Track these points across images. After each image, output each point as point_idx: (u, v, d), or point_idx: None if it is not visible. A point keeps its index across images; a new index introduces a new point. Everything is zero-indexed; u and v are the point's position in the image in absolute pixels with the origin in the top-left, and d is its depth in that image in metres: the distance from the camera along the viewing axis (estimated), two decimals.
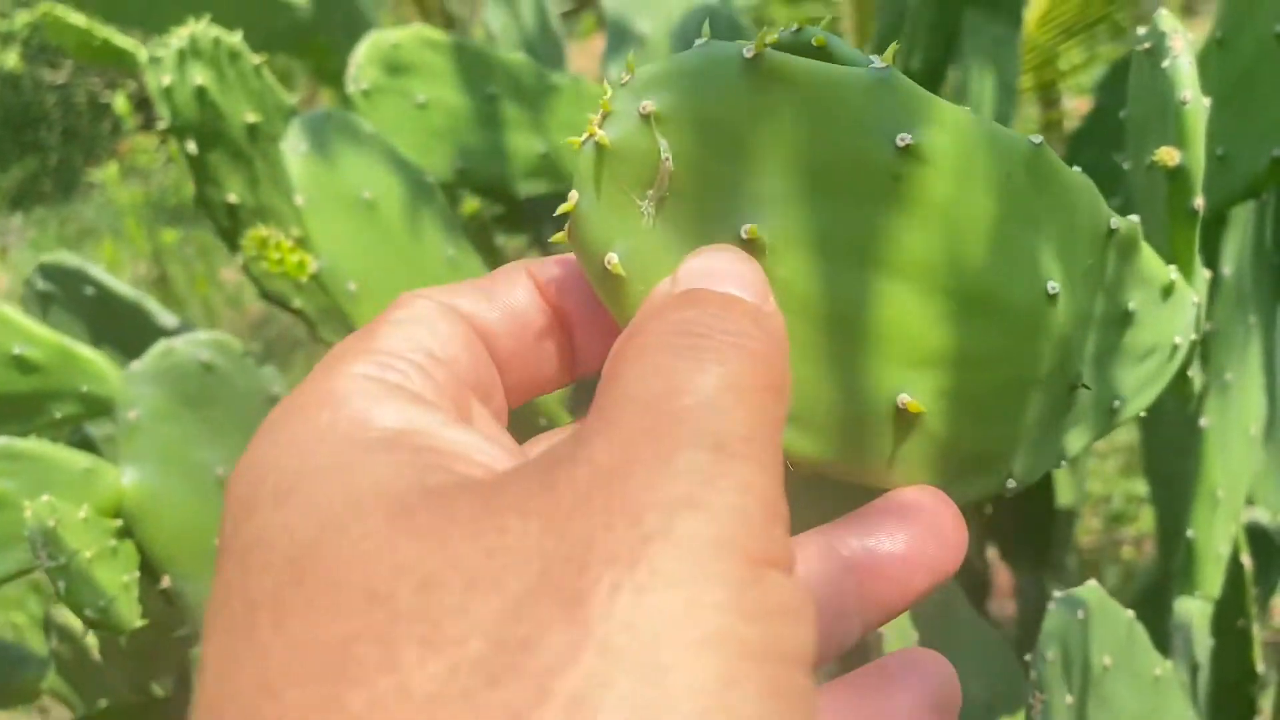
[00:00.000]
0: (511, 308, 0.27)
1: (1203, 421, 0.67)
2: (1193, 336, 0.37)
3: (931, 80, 1.09)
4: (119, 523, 0.60)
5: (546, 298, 0.28)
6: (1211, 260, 0.67)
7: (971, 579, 1.18)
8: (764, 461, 0.19)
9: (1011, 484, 0.31)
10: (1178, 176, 0.43)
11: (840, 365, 0.28)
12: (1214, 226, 0.69)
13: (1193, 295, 0.37)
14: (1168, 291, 0.35)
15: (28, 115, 3.62)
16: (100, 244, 3.00)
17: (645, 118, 0.26)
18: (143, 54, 1.24)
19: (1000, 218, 0.28)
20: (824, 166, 0.27)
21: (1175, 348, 0.36)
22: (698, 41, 0.27)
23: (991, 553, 1.20)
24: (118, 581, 0.56)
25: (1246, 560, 0.77)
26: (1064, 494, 1.13)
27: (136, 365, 0.62)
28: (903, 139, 0.26)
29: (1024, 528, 1.15)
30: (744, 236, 0.26)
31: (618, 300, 0.27)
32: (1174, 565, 0.71)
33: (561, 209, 0.27)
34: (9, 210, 3.47)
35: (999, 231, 0.28)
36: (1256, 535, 0.88)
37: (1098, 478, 1.74)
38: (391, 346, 0.24)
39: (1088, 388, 0.32)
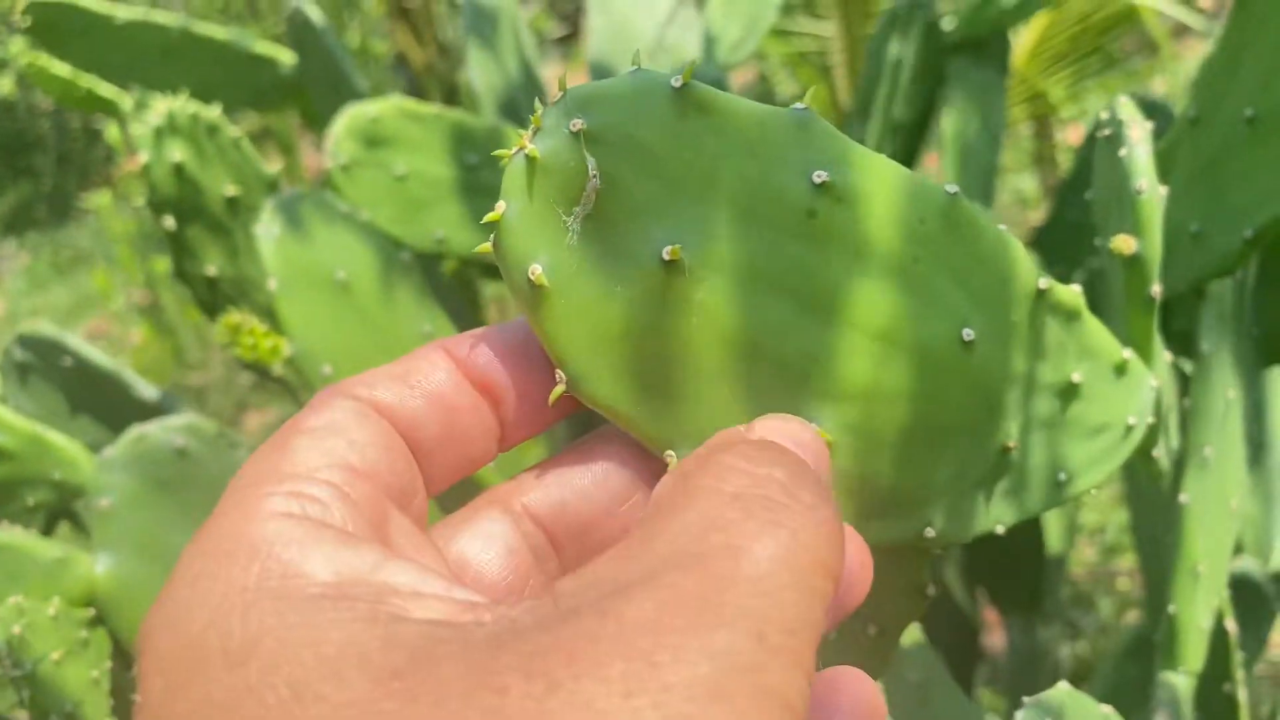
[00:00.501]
0: (432, 392, 0.27)
1: (1182, 498, 0.66)
2: (1150, 419, 0.37)
3: (918, 126, 1.09)
4: (91, 612, 0.60)
5: (468, 374, 0.27)
6: (1189, 334, 0.67)
7: (959, 623, 1.17)
8: (802, 660, 0.18)
9: (930, 533, 0.31)
10: (1134, 264, 0.43)
11: (752, 392, 0.28)
12: (1192, 300, 0.68)
13: (1151, 379, 0.37)
14: (1120, 370, 0.36)
15: (22, 140, 3.62)
16: (93, 269, 2.99)
17: (575, 135, 0.27)
18: (126, 102, 1.24)
19: (912, 259, 0.29)
20: (744, 197, 0.27)
21: (1130, 428, 0.36)
22: (629, 68, 0.28)
23: (980, 595, 1.19)
24: (86, 678, 0.55)
25: (1231, 625, 0.77)
26: (1054, 535, 1.12)
27: (109, 452, 0.61)
28: (818, 176, 0.27)
29: (1012, 570, 1.14)
30: (665, 257, 0.27)
31: (537, 312, 0.27)
32: (1157, 638, 0.70)
33: (487, 218, 0.27)
34: (2, 236, 3.47)
35: (910, 273, 0.29)
36: (1245, 586, 0.87)
37: (1092, 508, 1.73)
38: (307, 467, 0.23)
39: (1014, 448, 0.32)
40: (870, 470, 0.29)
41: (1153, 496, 0.81)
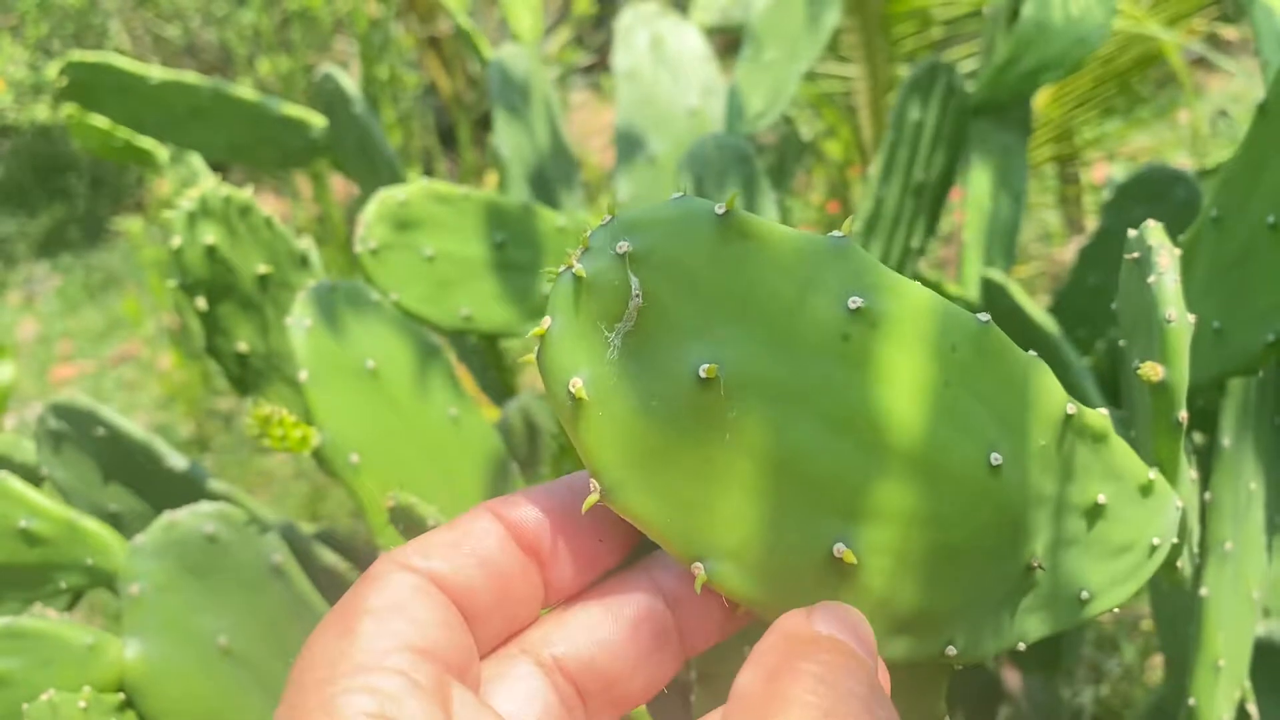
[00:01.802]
0: (485, 559, 0.28)
1: (1203, 591, 0.66)
2: (1174, 539, 0.37)
3: (939, 187, 1.10)
4: (121, 697, 0.61)
5: (517, 537, 0.28)
6: (1210, 428, 0.67)
7: (978, 683, 1.17)
8: None
9: (952, 651, 0.32)
10: (1161, 390, 0.43)
11: (782, 509, 0.29)
12: (1212, 394, 0.69)
13: (1176, 499, 0.37)
14: (1146, 490, 0.36)
15: (56, 163, 3.68)
16: (124, 293, 3.03)
17: (620, 256, 0.28)
18: (163, 154, 1.26)
19: (942, 385, 0.29)
20: (780, 319, 0.28)
21: (1154, 548, 0.36)
22: (674, 195, 0.29)
23: (1000, 656, 1.19)
24: None
25: (1253, 709, 0.76)
26: None
27: (140, 539, 0.63)
28: (854, 301, 0.28)
29: None
30: (702, 375, 0.28)
31: (576, 423, 0.28)
32: None
33: (533, 332, 0.28)
34: (36, 257, 3.52)
35: (941, 398, 0.29)
36: (1269, 652, 0.87)
37: None
38: (375, 655, 0.24)
39: (1043, 569, 0.33)
40: (895, 591, 0.30)
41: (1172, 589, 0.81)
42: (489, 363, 1.04)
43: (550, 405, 0.29)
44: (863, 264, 0.29)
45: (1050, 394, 0.32)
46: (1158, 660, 1.53)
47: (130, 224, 2.86)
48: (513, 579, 0.28)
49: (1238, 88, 2.63)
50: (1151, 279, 0.44)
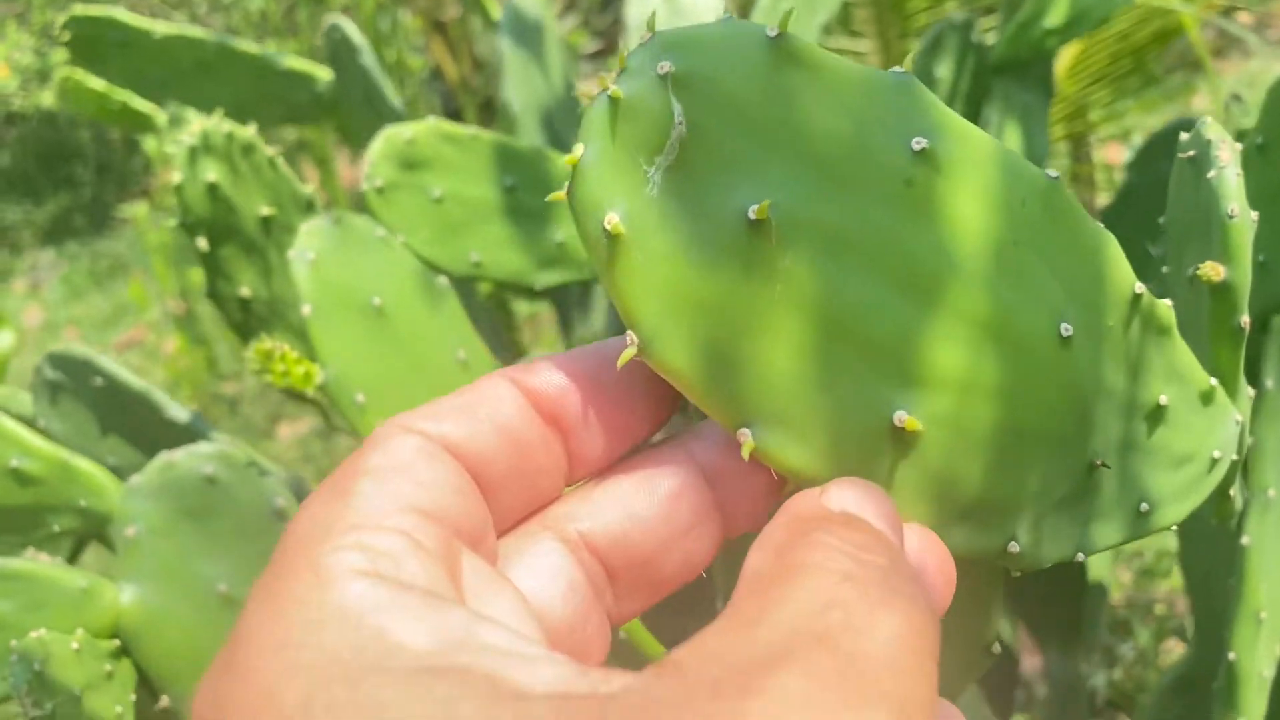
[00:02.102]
0: (502, 425, 0.25)
1: (1244, 540, 0.64)
2: (1234, 456, 0.35)
3: None
4: (116, 643, 0.59)
5: (537, 405, 0.26)
6: (1252, 370, 0.65)
7: (996, 664, 1.14)
8: None
9: (1014, 548, 0.29)
10: (1222, 292, 0.41)
11: (837, 371, 0.26)
12: (1255, 334, 0.66)
13: (1235, 413, 0.35)
14: (1207, 398, 0.34)
15: (62, 151, 3.66)
16: (130, 279, 3.01)
17: (662, 78, 0.25)
18: (161, 118, 1.24)
19: (1011, 242, 0.27)
20: (837, 160, 0.26)
21: (1214, 461, 0.34)
22: (721, 15, 0.26)
23: (1019, 629, 1.16)
24: (110, 714, 0.54)
25: None
26: (1096, 561, 1.09)
27: (136, 480, 0.60)
28: (918, 143, 0.26)
29: (1053, 597, 1.11)
30: (751, 216, 0.25)
31: (611, 266, 0.25)
32: (1216, 685, 0.67)
33: (565, 160, 0.26)
34: (42, 244, 3.51)
35: (1010, 256, 0.27)
36: None
37: None
38: (374, 515, 0.21)
39: (1107, 466, 0.31)
40: (957, 470, 0.27)
41: (1206, 532, 0.78)
42: (498, 322, 1.02)
43: (584, 247, 0.26)
44: (926, 102, 0.26)
45: (1119, 269, 0.29)
46: (1172, 644, 1.51)
47: (136, 209, 2.84)
48: (533, 449, 0.25)
49: (1254, 69, 2.60)
50: (1211, 174, 0.41)
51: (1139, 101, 2.15)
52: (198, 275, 2.81)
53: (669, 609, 0.36)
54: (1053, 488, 0.30)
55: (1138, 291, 0.30)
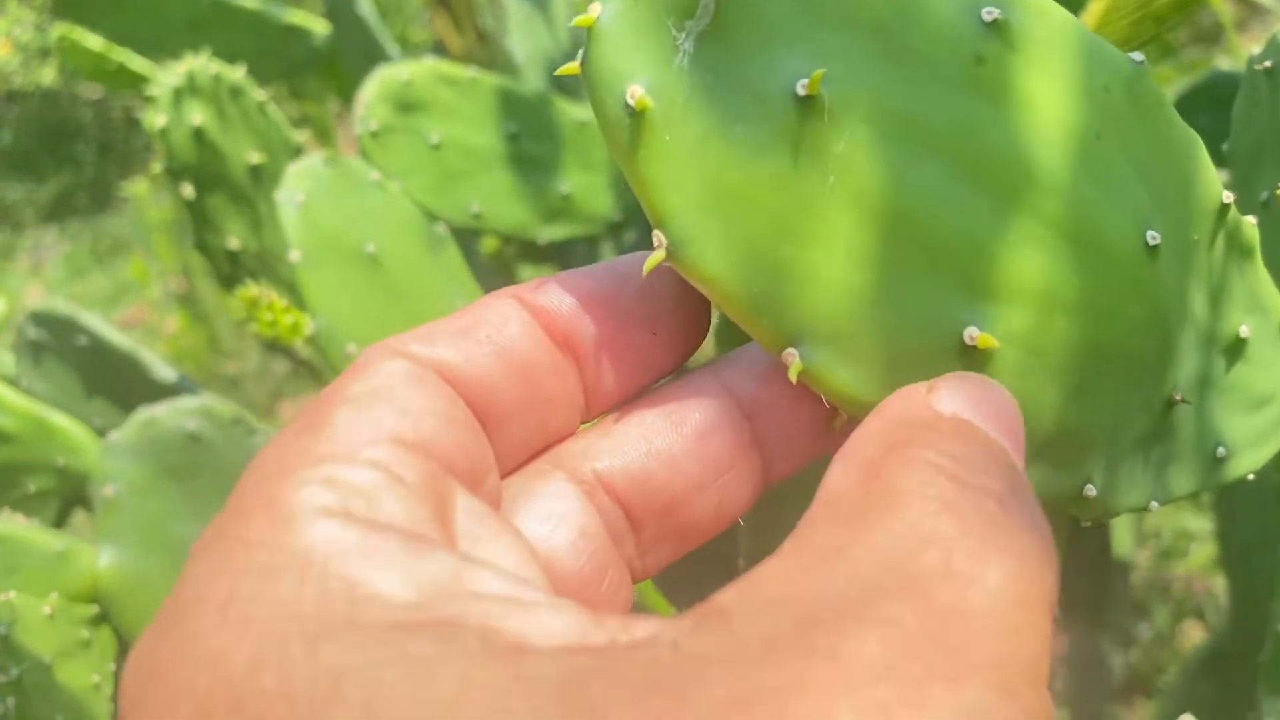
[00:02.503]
0: (505, 349, 0.22)
1: None
2: None
3: None
4: (94, 609, 0.55)
5: (547, 326, 0.22)
6: None
7: None
8: (1040, 711, 0.15)
9: (1090, 492, 0.26)
10: None
11: (899, 279, 0.23)
12: None
13: None
14: None
15: (64, 129, 3.63)
16: (131, 258, 2.98)
17: None
18: (160, 77, 1.20)
19: (1093, 135, 0.23)
20: (898, 30, 0.22)
21: None
22: None
23: None
24: (86, 682, 0.50)
25: None
26: (1121, 537, 1.05)
27: (116, 436, 0.57)
28: (989, 13, 0.22)
29: (1076, 572, 1.07)
30: (800, 92, 0.21)
31: (634, 150, 0.22)
32: (1261, 658, 0.64)
33: (577, 21, 0.22)
34: (44, 223, 3.48)
35: (1093, 151, 0.23)
36: None
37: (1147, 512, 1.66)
38: (348, 446, 0.18)
39: (1188, 402, 0.27)
40: (1034, 396, 0.24)
41: (1248, 499, 0.74)
42: (500, 283, 0.98)
43: (600, 128, 0.22)
44: None
45: (1207, 174, 0.26)
46: (1190, 625, 1.48)
47: (136, 185, 2.81)
48: (541, 376, 0.22)
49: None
50: None
51: (1157, 73, 2.11)
52: (197, 257, 2.79)
53: (686, 569, 0.32)
54: (1131, 423, 0.26)
55: (1226, 202, 0.26)
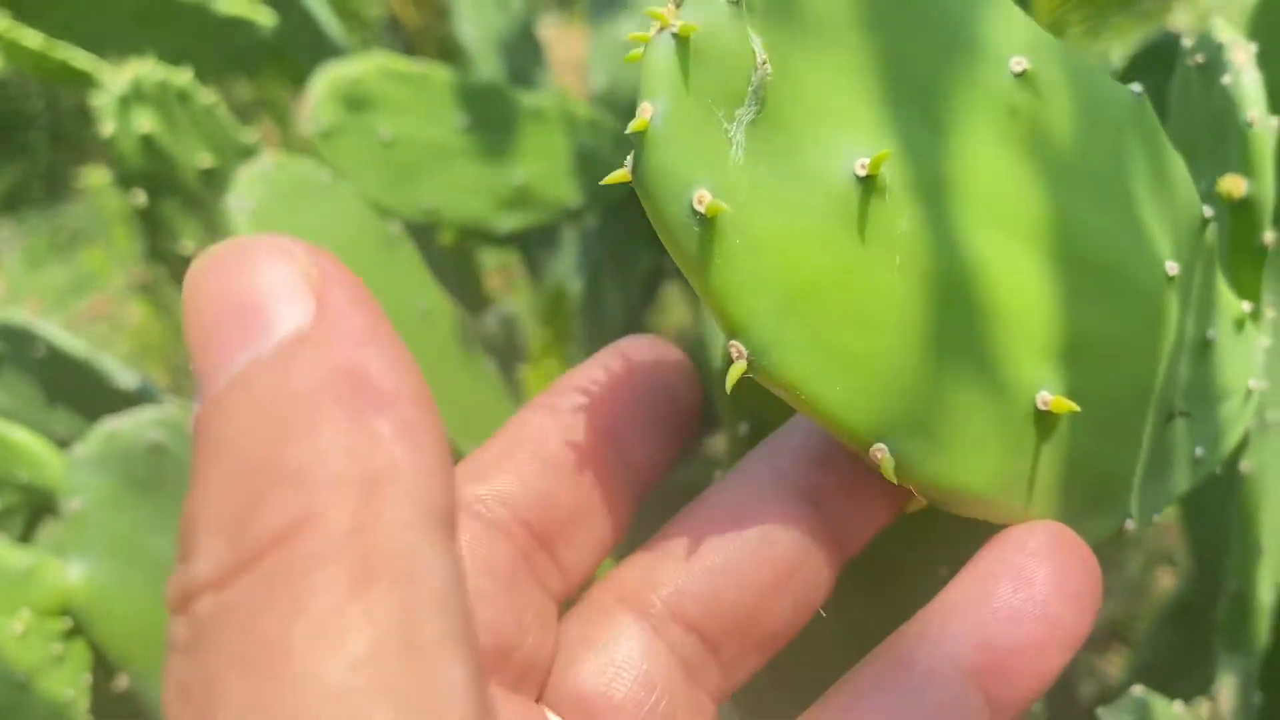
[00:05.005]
0: (550, 462, 0.22)
1: (1243, 466, 0.61)
2: (1265, 384, 0.32)
3: None
4: (67, 623, 0.55)
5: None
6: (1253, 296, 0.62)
7: None
8: None
9: (1130, 525, 0.26)
10: (1244, 208, 0.38)
11: (971, 355, 0.22)
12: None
13: (1262, 337, 0.33)
14: (1239, 326, 0.31)
15: (15, 120, 3.56)
16: (91, 247, 2.94)
17: (735, 3, 0.20)
18: (105, 74, 1.18)
19: (1115, 175, 0.23)
20: (936, 93, 0.22)
21: (1249, 393, 0.31)
22: None
23: None
24: (58, 698, 0.51)
25: None
26: None
27: (79, 450, 0.56)
28: (1018, 64, 0.22)
29: None
30: (859, 173, 0.20)
31: (704, 258, 0.20)
32: (1216, 615, 0.66)
33: (632, 127, 0.20)
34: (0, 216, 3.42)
35: (1115, 191, 0.23)
36: None
37: None
38: None
39: (1186, 414, 0.27)
40: (1086, 450, 0.24)
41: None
42: (465, 274, 0.98)
43: (661, 236, 0.21)
44: (1012, 14, 0.22)
45: (1192, 192, 0.26)
46: (1162, 573, 1.51)
47: (93, 175, 2.76)
48: (586, 480, 0.22)
49: None
50: (1226, 79, 0.38)
51: (1114, 23, 2.11)
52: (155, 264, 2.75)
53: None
54: (1149, 446, 0.26)
55: (1207, 217, 0.26)
